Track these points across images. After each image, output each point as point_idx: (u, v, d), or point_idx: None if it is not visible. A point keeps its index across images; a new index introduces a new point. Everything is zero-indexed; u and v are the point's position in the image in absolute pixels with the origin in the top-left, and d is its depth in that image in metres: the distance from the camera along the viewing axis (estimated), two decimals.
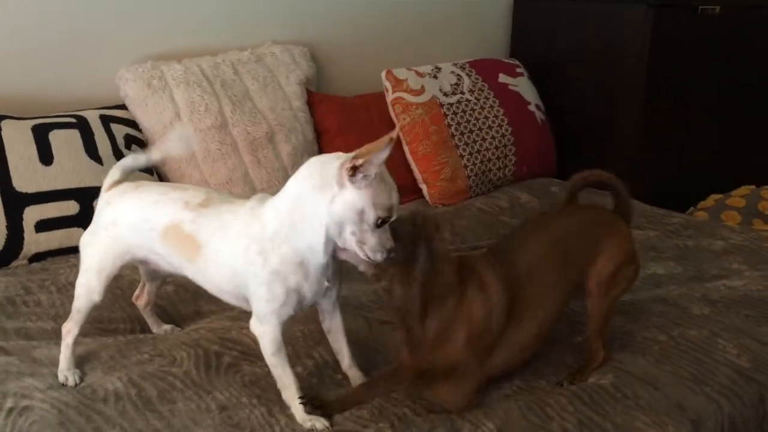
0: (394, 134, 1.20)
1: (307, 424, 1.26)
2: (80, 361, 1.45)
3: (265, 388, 1.36)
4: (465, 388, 1.32)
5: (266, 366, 1.34)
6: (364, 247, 1.24)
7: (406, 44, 2.80)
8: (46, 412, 1.27)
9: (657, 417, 1.31)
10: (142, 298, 1.60)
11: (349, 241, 1.25)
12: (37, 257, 1.87)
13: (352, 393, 1.34)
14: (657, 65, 2.58)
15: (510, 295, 1.33)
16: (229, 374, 1.42)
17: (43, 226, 1.87)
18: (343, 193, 1.21)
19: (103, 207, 1.43)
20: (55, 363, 1.42)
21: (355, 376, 1.41)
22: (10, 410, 1.28)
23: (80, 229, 1.89)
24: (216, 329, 1.58)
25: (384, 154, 1.19)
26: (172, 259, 1.38)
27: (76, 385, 1.37)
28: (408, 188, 2.50)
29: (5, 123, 1.94)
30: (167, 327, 1.62)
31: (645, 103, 2.62)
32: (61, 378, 1.38)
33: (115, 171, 1.45)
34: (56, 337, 1.53)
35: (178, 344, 1.51)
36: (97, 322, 1.59)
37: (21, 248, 1.85)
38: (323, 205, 1.22)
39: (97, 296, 1.40)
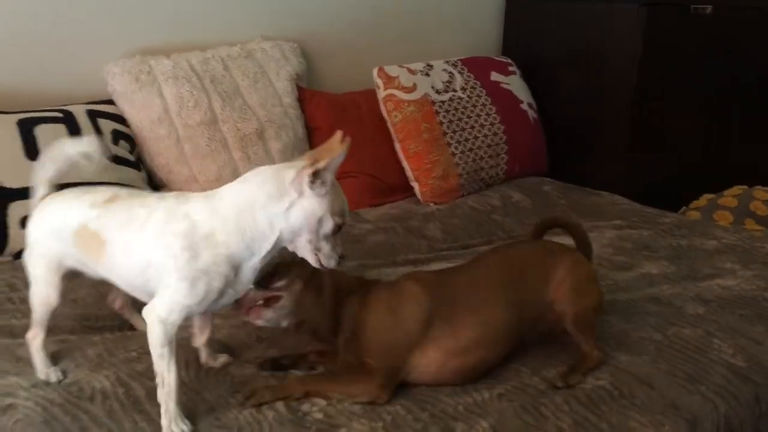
0: (344, 137, 1.24)
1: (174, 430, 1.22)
2: (65, 359, 1.41)
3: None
4: (374, 383, 1.31)
5: (252, 367, 1.34)
6: (319, 254, 1.26)
7: (398, 41, 2.79)
8: (31, 410, 1.24)
9: (653, 416, 1.30)
10: (116, 301, 1.54)
11: (302, 248, 1.26)
12: (22, 253, 1.83)
13: (285, 386, 1.33)
14: (648, 64, 2.58)
15: (437, 300, 1.36)
16: (219, 375, 1.39)
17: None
18: (302, 201, 1.21)
19: (29, 223, 1.39)
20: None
21: (205, 352, 1.43)
22: None
23: None
24: None
25: (341, 158, 1.21)
26: (87, 262, 1.33)
27: (59, 381, 1.34)
28: (399, 186, 2.48)
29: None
30: None
31: (637, 103, 2.62)
32: (42, 376, 1.35)
33: (41, 185, 1.40)
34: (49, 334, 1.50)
35: None
36: (83, 320, 1.56)
37: (6, 244, 1.82)
38: (279, 214, 1.22)
39: (54, 302, 1.36)
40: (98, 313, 1.60)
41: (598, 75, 2.70)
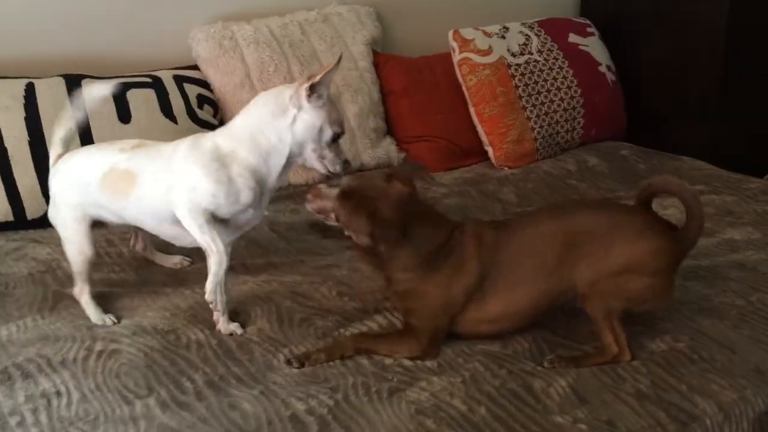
0: (339, 59, 1.42)
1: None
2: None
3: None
4: (419, 342, 1.35)
5: (338, 318, 1.45)
6: (324, 161, 1.44)
7: (474, 3, 2.75)
8: (134, 356, 1.34)
9: (734, 380, 1.29)
10: (138, 243, 1.68)
11: (309, 158, 1.43)
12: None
13: (337, 345, 1.37)
14: (735, 22, 2.46)
15: (487, 264, 1.36)
16: (303, 327, 1.45)
17: None
18: (303, 114, 1.39)
19: (50, 181, 1.52)
20: (137, 312, 1.50)
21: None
22: (100, 353, 1.35)
23: None
24: (287, 282, 1.62)
25: (333, 73, 1.38)
26: (113, 206, 1.45)
27: (114, 323, 1.45)
28: (473, 150, 2.48)
29: (86, 82, 2.00)
30: (176, 259, 1.70)
31: (722, 64, 2.52)
32: (99, 323, 1.45)
33: (56, 145, 1.52)
34: (138, 286, 1.61)
35: (252, 298, 1.55)
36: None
37: None
38: (285, 128, 1.40)
39: (88, 251, 1.48)
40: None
41: (683, 35, 2.60)
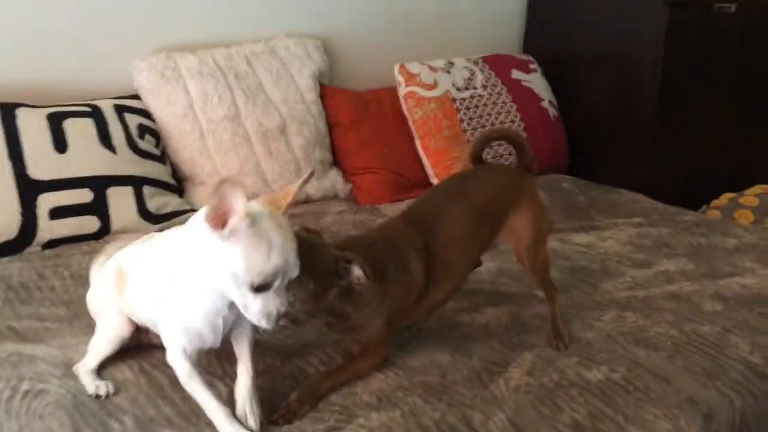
0: (233, 177, 1.15)
1: None
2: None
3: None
4: (380, 354, 1.40)
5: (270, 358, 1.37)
6: (248, 312, 1.10)
7: (420, 39, 2.80)
8: (62, 397, 1.28)
9: (668, 410, 1.30)
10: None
11: (238, 306, 1.12)
12: (51, 244, 1.88)
13: (313, 390, 1.31)
14: (671, 63, 2.56)
15: (427, 266, 1.42)
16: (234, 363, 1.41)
17: (56, 213, 1.88)
18: (225, 251, 1.07)
19: None
20: (68, 347, 1.44)
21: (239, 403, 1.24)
22: (26, 392, 1.29)
23: (93, 217, 1.92)
24: None
25: (239, 197, 1.02)
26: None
27: (108, 396, 1.28)
28: (420, 182, 2.50)
29: (21, 111, 1.95)
30: None
31: (659, 101, 2.61)
32: (92, 390, 1.29)
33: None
34: (69, 322, 1.54)
35: None
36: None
37: (35, 235, 1.86)
38: (209, 268, 1.10)
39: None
40: None
41: (621, 73, 2.69)
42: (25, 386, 1.31)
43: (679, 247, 2.03)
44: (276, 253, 1.07)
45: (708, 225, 2.21)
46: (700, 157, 2.78)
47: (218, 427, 1.19)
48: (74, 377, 1.35)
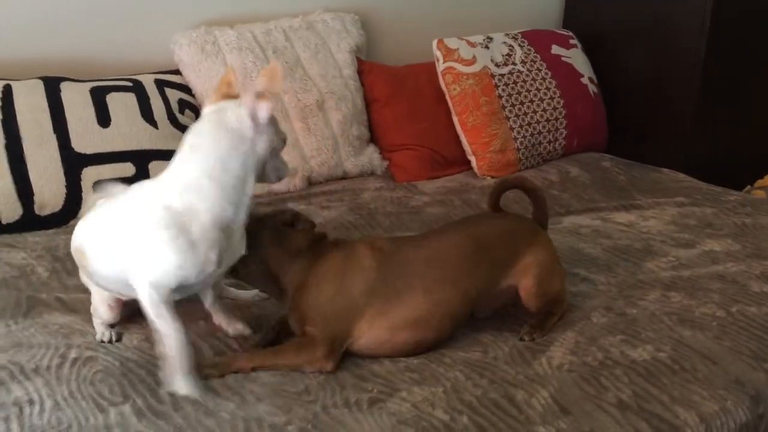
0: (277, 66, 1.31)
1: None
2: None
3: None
4: (318, 350, 1.31)
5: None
6: (279, 171, 1.37)
7: (458, 14, 2.76)
8: (110, 364, 1.31)
9: (715, 391, 1.29)
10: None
11: (270, 175, 1.35)
12: None
13: (231, 362, 1.32)
14: (715, 37, 2.49)
15: (388, 271, 1.36)
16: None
17: None
18: (262, 136, 1.28)
19: None
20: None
21: (217, 314, 1.44)
22: (75, 360, 1.32)
23: None
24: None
25: (281, 86, 1.31)
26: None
27: (111, 341, 1.39)
28: (457, 160, 2.48)
29: (65, 84, 1.97)
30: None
31: (702, 78, 2.54)
32: (99, 336, 1.40)
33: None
34: None
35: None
36: None
37: (79, 208, 1.89)
38: (248, 155, 1.28)
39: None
40: None
41: (663, 48, 2.63)
42: (73, 353, 1.34)
43: (723, 228, 1.99)
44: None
45: (753, 205, 2.16)
46: (743, 135, 2.72)
47: (173, 369, 1.24)
48: (120, 346, 1.38)
